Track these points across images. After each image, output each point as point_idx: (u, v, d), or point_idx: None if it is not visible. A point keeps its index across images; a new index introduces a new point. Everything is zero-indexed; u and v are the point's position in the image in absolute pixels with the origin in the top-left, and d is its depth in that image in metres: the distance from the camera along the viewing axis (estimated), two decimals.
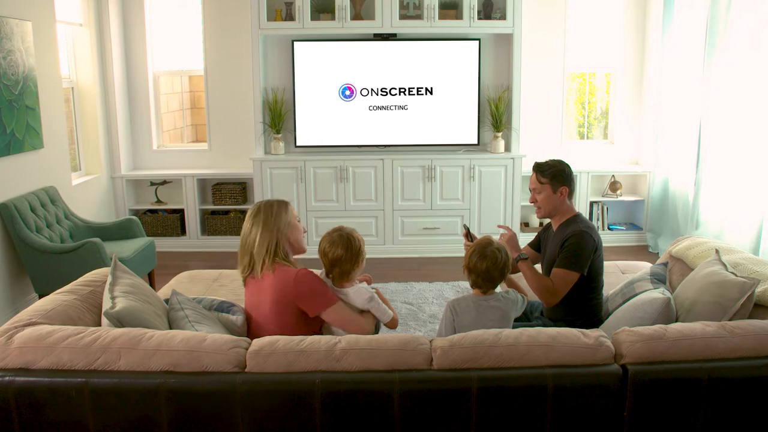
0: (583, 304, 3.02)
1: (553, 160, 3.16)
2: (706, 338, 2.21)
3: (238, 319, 2.74)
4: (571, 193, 3.12)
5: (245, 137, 6.61)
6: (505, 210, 6.23)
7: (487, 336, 2.21)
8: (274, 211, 2.73)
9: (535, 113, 6.59)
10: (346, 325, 2.64)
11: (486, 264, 2.64)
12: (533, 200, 3.16)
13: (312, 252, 3.03)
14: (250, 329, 2.75)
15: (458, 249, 6.14)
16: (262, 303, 2.68)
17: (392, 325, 2.83)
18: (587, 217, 6.51)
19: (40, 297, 4.69)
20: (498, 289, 2.78)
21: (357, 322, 2.67)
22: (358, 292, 2.74)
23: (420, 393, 2.11)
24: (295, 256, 2.83)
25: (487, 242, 2.70)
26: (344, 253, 2.69)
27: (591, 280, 3.00)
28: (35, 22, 5.06)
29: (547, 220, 3.29)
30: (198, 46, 6.60)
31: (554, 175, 3.09)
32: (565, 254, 2.96)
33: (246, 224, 2.75)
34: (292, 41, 6.13)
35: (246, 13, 6.18)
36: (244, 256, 2.72)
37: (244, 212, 6.71)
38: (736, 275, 2.66)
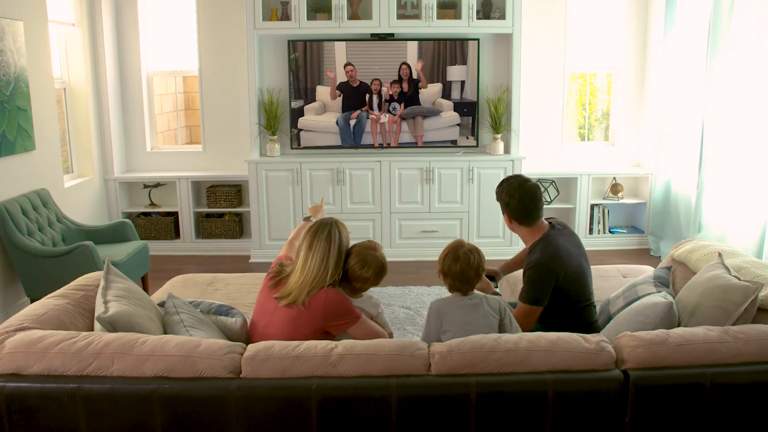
0: (571, 320, 2.90)
1: (501, 183, 3.03)
2: (709, 343, 2.20)
3: (236, 321, 2.70)
4: (522, 218, 2.96)
5: (240, 139, 6.57)
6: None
7: (486, 341, 2.20)
8: (344, 240, 2.67)
9: (535, 114, 6.57)
10: (370, 336, 2.60)
11: (460, 265, 2.63)
12: None
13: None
14: (254, 334, 2.70)
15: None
16: (277, 315, 2.62)
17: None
18: (588, 220, 6.49)
19: (32, 301, 4.63)
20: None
21: (378, 333, 2.68)
22: (369, 300, 2.81)
23: (418, 399, 2.09)
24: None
25: (458, 245, 2.70)
26: (373, 277, 2.74)
27: (571, 301, 2.92)
28: (27, 21, 5.02)
29: None
30: (192, 46, 6.56)
31: (499, 200, 3.02)
32: (523, 287, 2.90)
33: (309, 244, 2.64)
34: (288, 41, 6.10)
35: (241, 12, 6.15)
36: (302, 287, 2.61)
37: (239, 215, 6.67)
38: (739, 279, 2.64)
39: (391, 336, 2.89)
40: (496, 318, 2.64)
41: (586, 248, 3.13)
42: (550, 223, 3.03)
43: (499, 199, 3.01)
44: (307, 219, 3.17)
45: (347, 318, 2.60)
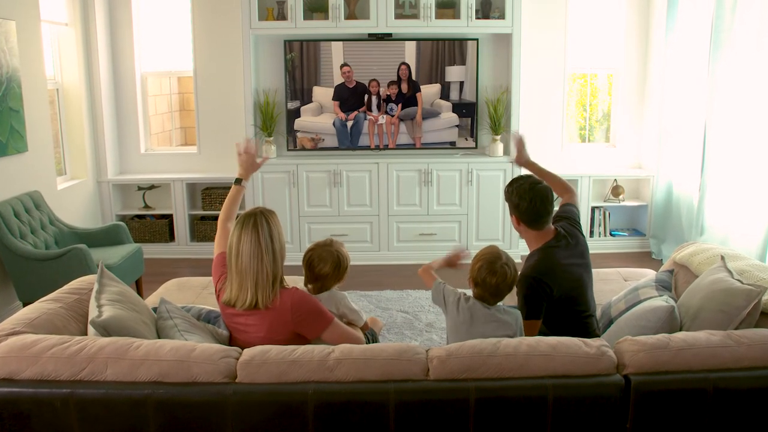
0: (570, 327, 2.85)
1: (512, 182, 2.93)
2: (712, 347, 2.18)
3: (223, 332, 2.66)
4: (531, 222, 2.85)
5: (236, 140, 6.46)
6: (504, 215, 6.17)
7: (486, 345, 2.18)
8: (274, 228, 2.49)
9: (535, 115, 6.53)
10: (344, 340, 2.55)
11: (496, 280, 2.54)
12: None
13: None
14: (234, 341, 2.64)
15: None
16: (249, 325, 2.55)
17: (365, 328, 2.93)
18: (587, 224, 6.46)
19: (24, 305, 4.60)
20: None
21: (352, 335, 2.64)
22: (331, 299, 2.81)
23: (416, 404, 2.08)
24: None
25: (495, 256, 2.58)
26: (331, 271, 2.76)
27: (570, 312, 2.85)
28: (19, 21, 4.97)
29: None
30: (187, 46, 6.53)
31: (508, 201, 2.92)
32: (518, 301, 2.83)
33: (239, 241, 2.43)
34: (285, 41, 6.08)
35: (237, 12, 6.12)
36: (245, 284, 2.44)
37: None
38: (742, 283, 2.62)
39: (365, 327, 2.92)
40: (508, 333, 2.56)
41: None
42: (556, 230, 2.92)
43: (508, 199, 2.91)
44: (238, 182, 2.91)
45: (319, 319, 2.53)
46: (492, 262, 2.55)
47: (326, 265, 2.75)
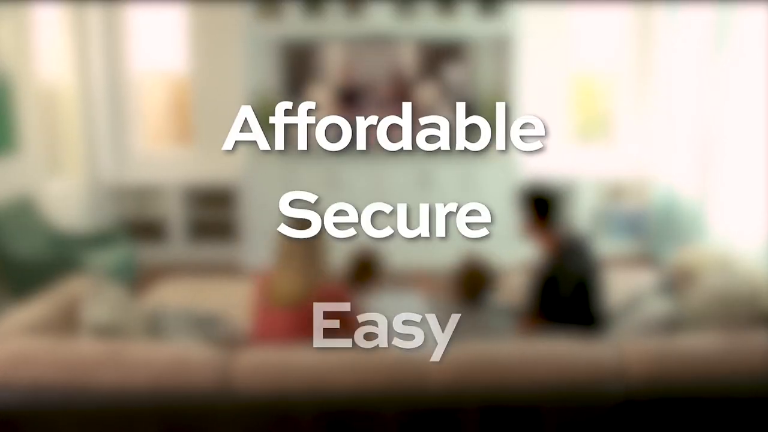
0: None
1: (539, 184, 3.22)
2: (715, 353, 2.18)
3: (222, 331, 2.66)
4: (557, 219, 3.15)
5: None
6: (503, 217, 6.12)
7: (487, 352, 2.20)
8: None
9: (535, 116, 6.50)
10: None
11: (473, 286, 2.89)
12: None
13: None
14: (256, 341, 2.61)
15: (454, 260, 6.05)
16: (278, 320, 2.50)
17: None
18: (589, 225, 6.44)
19: (17, 309, 4.55)
20: None
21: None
22: None
23: (416, 412, 2.07)
24: None
25: (474, 265, 2.94)
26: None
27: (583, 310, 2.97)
28: (11, 17, 4.91)
29: None
30: (185, 44, 6.51)
31: (539, 199, 3.21)
32: (546, 300, 3.04)
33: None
34: (283, 41, 6.09)
35: (235, 11, 6.09)
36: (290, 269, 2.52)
37: (231, 219, 6.59)
38: (745, 286, 2.60)
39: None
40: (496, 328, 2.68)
41: None
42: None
43: (540, 196, 3.12)
44: None
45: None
46: (471, 269, 2.95)
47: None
